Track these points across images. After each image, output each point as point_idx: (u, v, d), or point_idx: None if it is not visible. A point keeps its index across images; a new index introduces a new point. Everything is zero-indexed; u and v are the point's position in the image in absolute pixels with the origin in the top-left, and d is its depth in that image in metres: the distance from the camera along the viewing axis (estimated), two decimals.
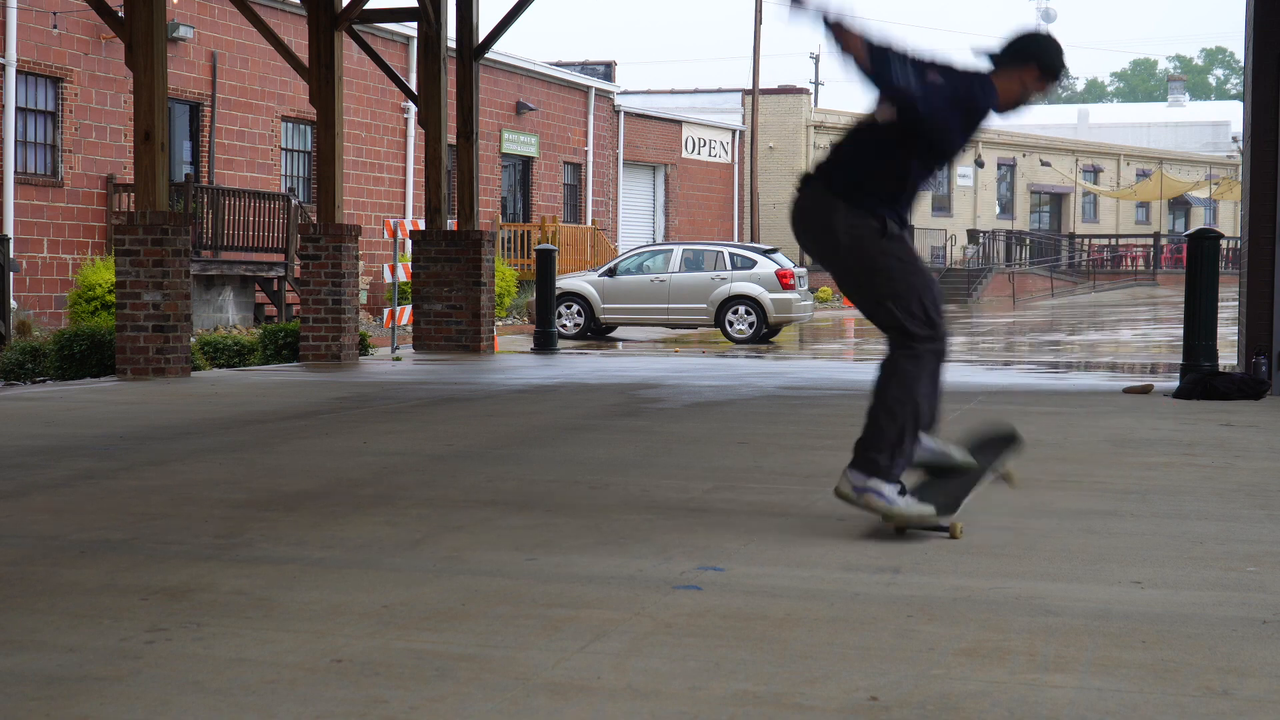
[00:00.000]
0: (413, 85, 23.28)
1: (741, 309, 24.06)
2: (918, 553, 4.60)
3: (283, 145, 27.33)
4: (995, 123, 5.04)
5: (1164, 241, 53.37)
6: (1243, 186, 11.33)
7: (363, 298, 26.54)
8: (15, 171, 21.13)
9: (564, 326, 24.47)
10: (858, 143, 4.97)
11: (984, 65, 4.97)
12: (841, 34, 4.71)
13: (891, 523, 4.83)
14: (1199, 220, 60.34)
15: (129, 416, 8.96)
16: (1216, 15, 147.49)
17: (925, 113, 4.72)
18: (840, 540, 4.82)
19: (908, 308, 4.90)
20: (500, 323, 26.99)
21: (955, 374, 13.95)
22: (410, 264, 16.16)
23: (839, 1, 4.74)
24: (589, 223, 37.28)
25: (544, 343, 16.94)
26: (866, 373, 14.20)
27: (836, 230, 4.92)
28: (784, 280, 24.03)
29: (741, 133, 45.28)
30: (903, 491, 4.82)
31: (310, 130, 26.93)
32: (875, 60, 4.69)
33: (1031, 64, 4.95)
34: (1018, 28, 5.10)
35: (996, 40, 5.07)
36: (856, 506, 4.86)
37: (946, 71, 4.86)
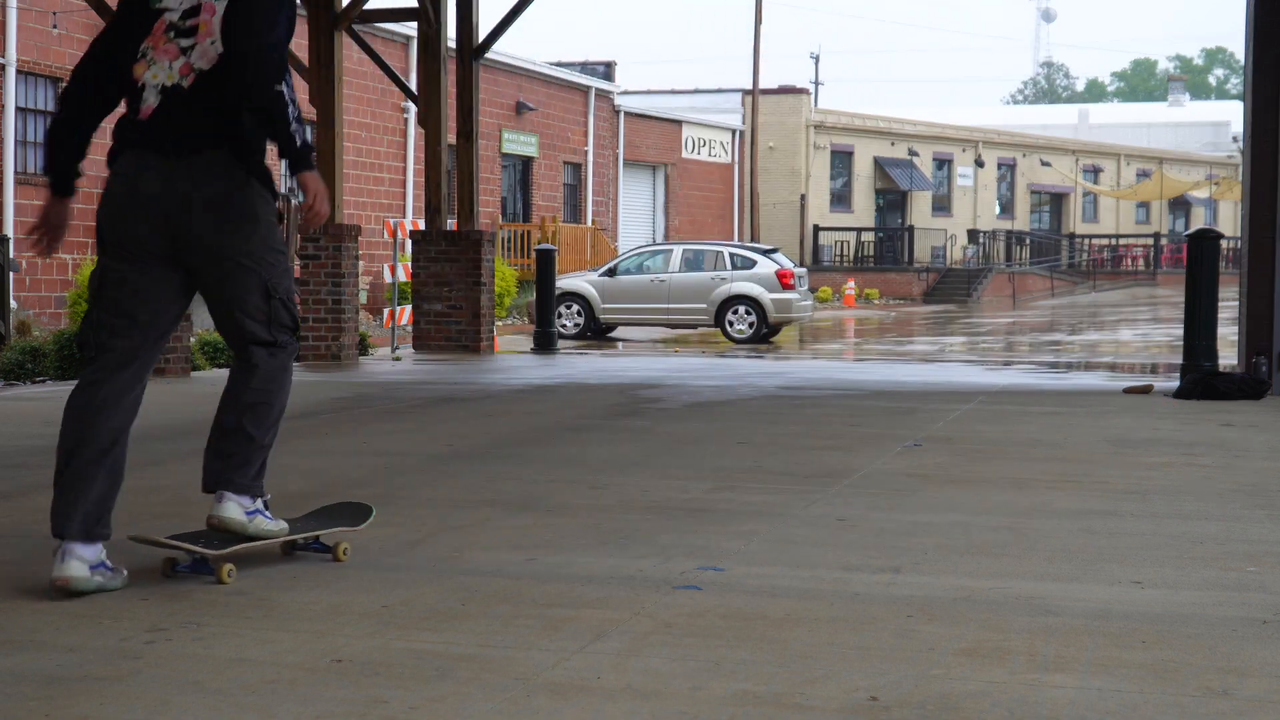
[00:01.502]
0: (413, 85, 23.25)
1: (741, 309, 24.06)
2: (918, 553, 4.60)
3: None
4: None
5: (1164, 241, 53.38)
6: (1243, 186, 11.32)
7: (363, 298, 26.51)
8: (15, 171, 21.13)
9: (564, 326, 24.46)
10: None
11: None
12: None
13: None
14: (1199, 220, 60.31)
15: None
16: (1216, 15, 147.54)
17: None
18: (840, 540, 4.82)
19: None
20: (500, 323, 26.98)
21: (956, 374, 13.96)
22: (410, 264, 16.16)
23: None
24: (589, 223, 37.28)
25: (544, 343, 16.94)
26: (867, 373, 14.23)
27: None
28: (784, 280, 24.03)
29: (741, 133, 45.27)
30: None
31: (310, 130, 26.92)
32: None
33: None
34: None
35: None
36: None
37: None
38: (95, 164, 4.41)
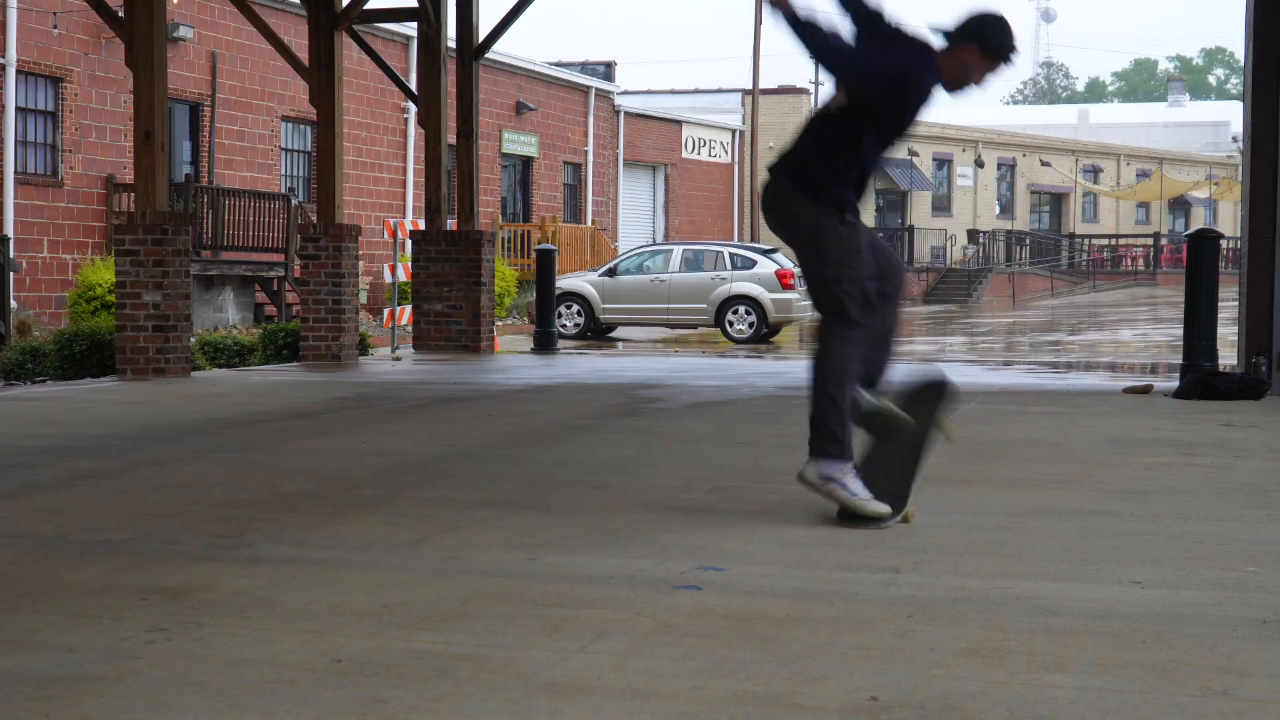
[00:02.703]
0: (413, 85, 23.26)
1: (741, 309, 24.06)
2: (918, 553, 4.60)
3: (283, 145, 27.34)
4: (948, 104, 5.17)
5: (1164, 241, 53.37)
6: (1243, 186, 11.32)
7: (363, 298, 26.52)
8: (15, 171, 21.13)
9: (564, 326, 24.47)
10: (815, 134, 5.17)
11: (937, 41, 5.03)
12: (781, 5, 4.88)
13: (849, 510, 5.04)
14: (1199, 220, 60.32)
15: (129, 416, 8.96)
16: (1216, 15, 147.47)
17: (859, 77, 4.94)
18: (840, 540, 4.82)
19: (850, 291, 5.12)
20: (500, 323, 26.99)
21: (956, 374, 13.95)
22: (410, 264, 16.16)
23: None
24: (589, 223, 37.27)
25: (544, 343, 16.94)
26: None
27: (800, 219, 5.21)
28: (784, 280, 24.03)
29: (741, 133, 45.27)
30: (858, 477, 5.05)
31: (310, 130, 26.92)
32: (806, 28, 4.88)
33: (972, 43, 5.00)
34: (973, 7, 5.11)
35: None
36: (820, 494, 5.12)
37: (888, 39, 5.01)
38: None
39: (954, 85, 5.07)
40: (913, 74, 4.94)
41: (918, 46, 5.02)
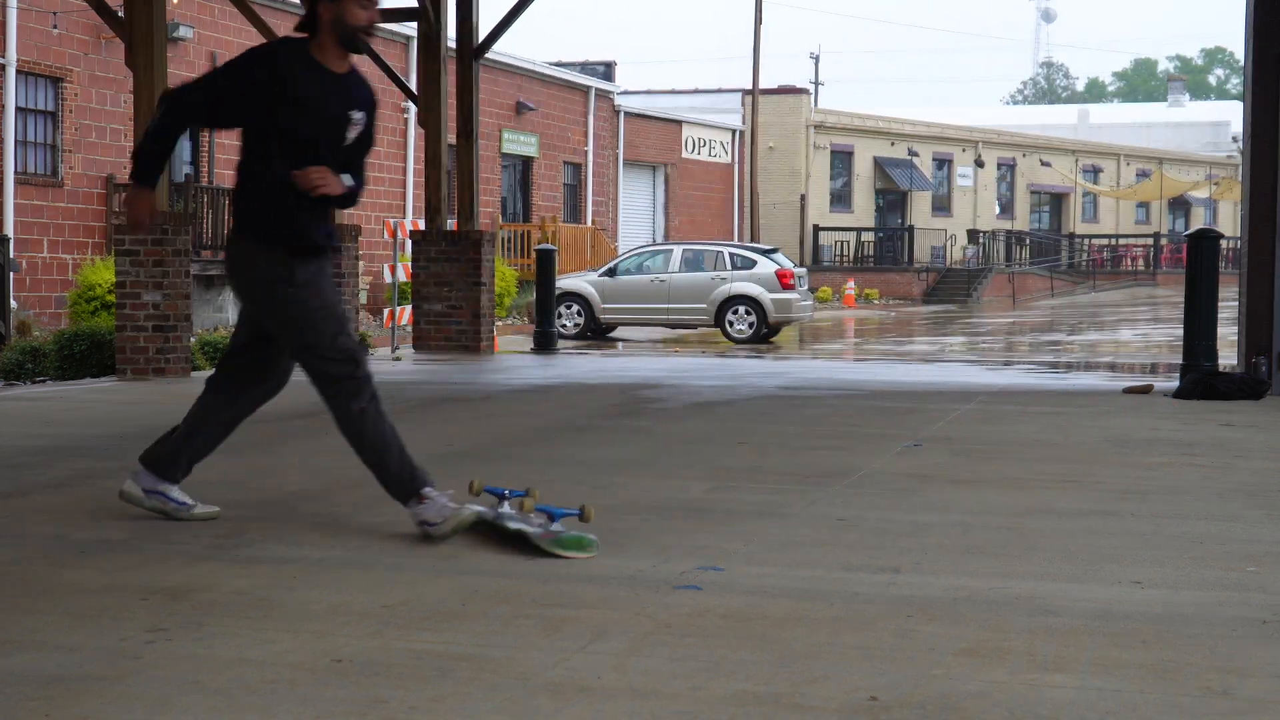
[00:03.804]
0: (413, 85, 23.25)
1: (741, 309, 24.06)
2: (918, 553, 4.60)
3: None
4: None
5: (1164, 241, 53.37)
6: (1243, 186, 11.32)
7: (363, 298, 26.52)
8: (15, 171, 21.12)
9: (564, 326, 24.46)
10: (239, 172, 4.99)
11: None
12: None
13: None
14: (1199, 220, 60.31)
15: (129, 416, 8.96)
16: (1216, 15, 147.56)
17: (198, 99, 4.89)
18: (840, 540, 4.82)
19: (324, 353, 4.89)
20: (500, 323, 26.98)
21: (956, 374, 13.96)
22: (410, 264, 16.16)
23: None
24: (589, 223, 37.28)
25: (544, 343, 16.94)
26: (867, 373, 14.22)
27: (254, 282, 4.95)
28: (784, 280, 24.03)
29: (741, 133, 45.26)
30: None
31: None
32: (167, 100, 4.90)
33: None
34: None
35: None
36: None
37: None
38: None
39: (335, 40, 5.03)
40: (249, 67, 4.99)
41: (250, 51, 5.06)
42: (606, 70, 42.32)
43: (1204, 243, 11.04)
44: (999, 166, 54.16)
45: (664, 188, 42.75)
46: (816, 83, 64.17)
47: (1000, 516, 5.26)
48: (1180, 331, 11.87)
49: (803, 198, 46.16)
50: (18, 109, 21.32)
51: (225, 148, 25.64)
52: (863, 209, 48.63)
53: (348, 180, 4.88)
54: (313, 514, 5.33)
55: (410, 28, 27.43)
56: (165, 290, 12.04)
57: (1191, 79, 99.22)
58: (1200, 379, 10.36)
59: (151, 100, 12.03)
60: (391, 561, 4.46)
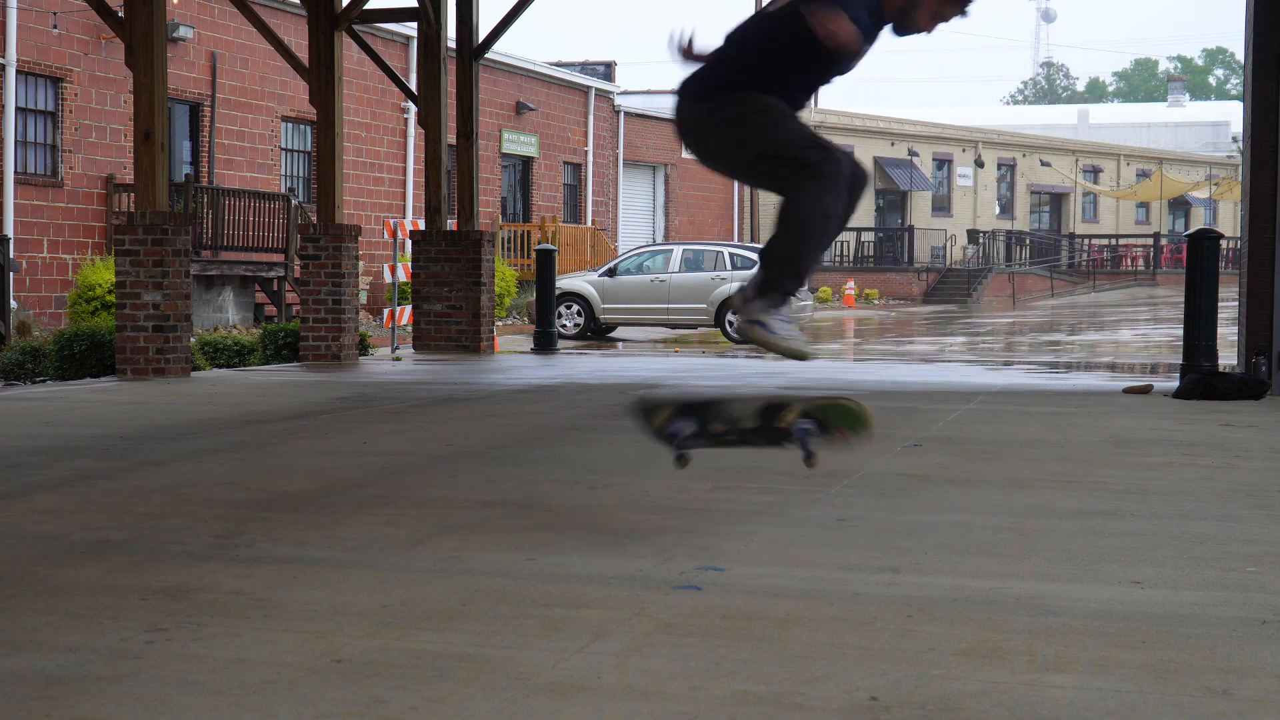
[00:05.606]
0: (413, 85, 23.27)
1: None
2: (918, 553, 4.60)
3: (283, 145, 27.34)
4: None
5: (1164, 241, 53.38)
6: (1243, 186, 11.33)
7: (363, 298, 26.53)
8: (15, 171, 21.14)
9: (564, 326, 24.47)
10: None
11: None
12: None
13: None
14: (1199, 220, 60.34)
15: (129, 416, 8.96)
16: (1216, 15, 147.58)
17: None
18: (840, 540, 4.82)
19: (795, 140, 4.77)
20: (500, 323, 26.99)
21: (956, 374, 13.96)
22: (410, 264, 16.17)
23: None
24: (589, 223, 37.28)
25: (544, 343, 16.95)
26: (867, 373, 14.22)
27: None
28: None
29: None
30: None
31: (310, 130, 26.93)
32: None
33: None
34: None
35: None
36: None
37: None
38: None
39: (893, 14, 4.68)
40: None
41: None
42: (606, 70, 42.33)
43: (1204, 243, 11.04)
44: (999, 166, 54.18)
45: (664, 188, 42.75)
46: None
47: (1000, 516, 5.26)
48: (1180, 331, 11.88)
49: None
50: (18, 109, 21.33)
51: (225, 148, 25.64)
52: (863, 209, 48.57)
53: None
54: (313, 514, 5.33)
55: (410, 28, 27.44)
56: (165, 290, 12.04)
57: (1191, 79, 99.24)
58: (1200, 379, 10.36)
59: (151, 100, 12.03)
60: (391, 561, 4.46)
